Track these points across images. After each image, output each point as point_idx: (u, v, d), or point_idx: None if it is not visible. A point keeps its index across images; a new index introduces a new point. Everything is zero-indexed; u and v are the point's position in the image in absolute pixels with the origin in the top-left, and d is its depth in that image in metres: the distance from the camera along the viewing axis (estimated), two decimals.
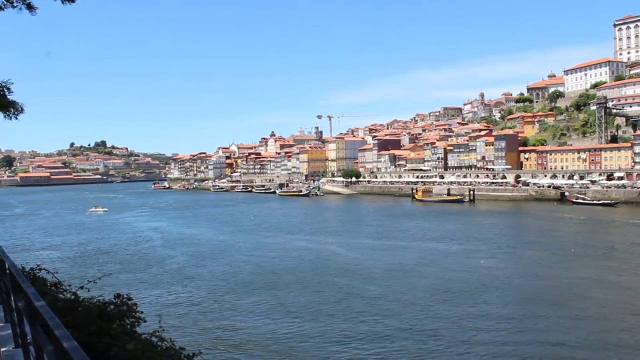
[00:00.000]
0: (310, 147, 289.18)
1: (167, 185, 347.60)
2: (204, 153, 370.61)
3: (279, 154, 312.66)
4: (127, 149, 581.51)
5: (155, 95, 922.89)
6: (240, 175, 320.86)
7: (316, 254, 70.44)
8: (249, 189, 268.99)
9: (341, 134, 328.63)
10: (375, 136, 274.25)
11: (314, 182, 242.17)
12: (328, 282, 53.79)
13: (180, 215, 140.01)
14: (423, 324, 39.29)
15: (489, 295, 47.00)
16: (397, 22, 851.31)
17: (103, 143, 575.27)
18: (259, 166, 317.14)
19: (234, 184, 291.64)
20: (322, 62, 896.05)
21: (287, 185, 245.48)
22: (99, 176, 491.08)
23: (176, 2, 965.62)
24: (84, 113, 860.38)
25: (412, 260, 64.16)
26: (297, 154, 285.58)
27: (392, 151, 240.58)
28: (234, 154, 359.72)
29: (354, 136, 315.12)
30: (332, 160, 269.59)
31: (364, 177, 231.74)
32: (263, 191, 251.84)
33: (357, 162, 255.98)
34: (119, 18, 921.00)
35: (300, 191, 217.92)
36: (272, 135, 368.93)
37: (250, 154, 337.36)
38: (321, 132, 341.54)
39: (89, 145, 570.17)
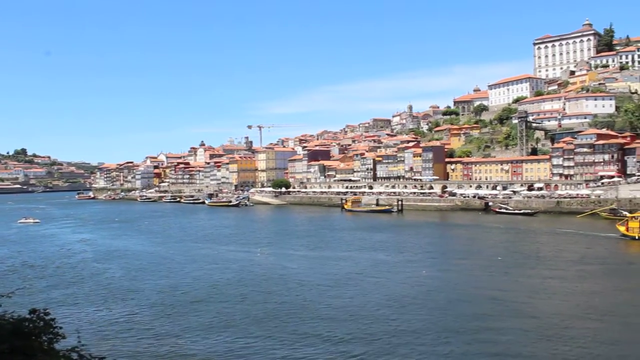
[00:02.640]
0: (240, 157, 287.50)
1: (93, 195, 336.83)
2: (132, 162, 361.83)
3: (208, 163, 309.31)
4: (49, 157, 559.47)
5: (80, 102, 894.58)
6: (168, 185, 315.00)
7: (250, 266, 69.87)
8: (178, 199, 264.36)
9: (271, 144, 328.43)
10: (306, 147, 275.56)
11: (243, 192, 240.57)
12: (264, 293, 53.34)
13: (108, 226, 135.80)
14: (374, 334, 39.60)
15: (429, 305, 47.79)
16: (328, 35, 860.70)
17: (23, 151, 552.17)
18: (187, 176, 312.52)
19: (162, 194, 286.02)
20: (252, 72, 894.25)
21: (217, 196, 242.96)
22: (18, 186, 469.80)
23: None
24: (1, 120, 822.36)
25: (349, 271, 64.52)
26: (227, 164, 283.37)
27: (322, 162, 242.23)
28: (162, 164, 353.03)
29: (284, 146, 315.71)
30: (262, 171, 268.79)
31: (294, 188, 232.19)
32: (192, 201, 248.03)
33: (287, 173, 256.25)
34: (43, 14, 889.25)
35: (230, 201, 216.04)
36: (202, 145, 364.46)
37: (179, 163, 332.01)
38: (251, 142, 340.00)
39: (7, 153, 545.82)
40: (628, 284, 56.75)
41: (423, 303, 48.48)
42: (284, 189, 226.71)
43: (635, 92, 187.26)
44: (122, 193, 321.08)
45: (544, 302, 48.90)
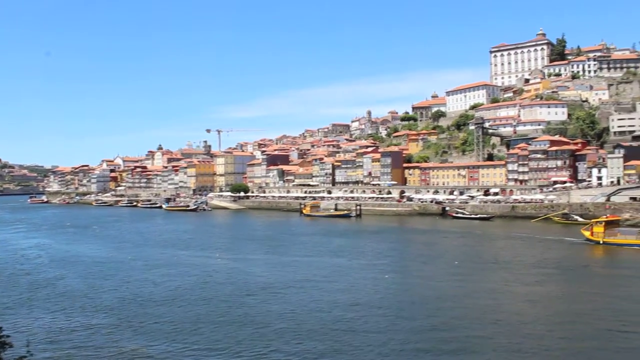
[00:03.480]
0: (198, 161, 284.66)
1: (46, 199, 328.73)
2: (87, 166, 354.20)
3: (166, 167, 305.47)
4: None
5: (33, 103, 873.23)
6: (125, 189, 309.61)
7: (211, 271, 69.21)
8: (134, 203, 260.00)
9: (230, 148, 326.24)
10: (265, 151, 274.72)
11: (201, 196, 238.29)
12: (227, 299, 52.82)
13: (63, 231, 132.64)
14: (341, 340, 39.64)
15: (394, 310, 48.10)
16: (288, 40, 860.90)
17: None
18: (145, 180, 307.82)
19: (118, 199, 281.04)
20: (212, 76, 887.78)
21: (174, 200, 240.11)
22: None
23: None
24: None
25: (312, 276, 64.58)
26: (185, 168, 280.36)
27: (280, 166, 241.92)
28: (118, 167, 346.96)
29: (243, 151, 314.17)
30: (221, 175, 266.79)
31: (253, 192, 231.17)
32: (149, 206, 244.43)
33: (245, 177, 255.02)
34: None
35: (188, 206, 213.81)
36: (160, 148, 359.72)
37: (136, 167, 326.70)
38: (210, 146, 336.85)
39: None
40: (590, 287, 58.16)
41: (388, 307, 48.84)
42: (242, 194, 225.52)
43: (586, 101, 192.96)
44: (77, 197, 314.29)
45: (508, 305, 49.96)
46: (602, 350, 36.89)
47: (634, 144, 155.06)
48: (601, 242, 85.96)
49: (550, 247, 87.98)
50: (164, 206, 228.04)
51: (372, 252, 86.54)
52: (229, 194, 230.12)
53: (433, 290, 55.89)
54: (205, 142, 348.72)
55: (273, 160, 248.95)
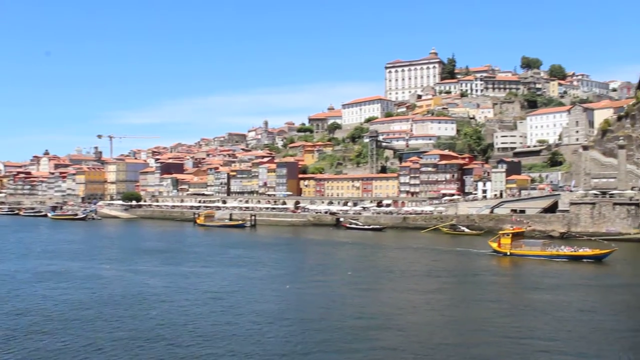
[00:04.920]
0: (88, 167, 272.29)
1: None
2: None
3: (52, 174, 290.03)
4: None
5: None
6: (6, 196, 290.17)
7: (104, 283, 64.68)
8: (16, 211, 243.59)
9: (122, 155, 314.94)
10: (159, 159, 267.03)
11: (90, 205, 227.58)
12: (123, 313, 49.08)
13: None
14: (247, 353, 38.08)
15: (292, 321, 47.04)
16: (184, 48, 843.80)
17: None
18: (29, 186, 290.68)
19: None
20: (104, 79, 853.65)
21: (61, 208, 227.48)
22: None
23: None
24: None
25: (210, 287, 62.15)
26: (74, 174, 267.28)
27: (175, 175, 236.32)
28: None
29: (136, 158, 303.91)
30: (112, 183, 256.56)
31: (145, 201, 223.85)
32: (32, 214, 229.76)
33: (138, 185, 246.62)
34: None
35: (76, 214, 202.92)
36: (46, 153, 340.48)
37: (19, 172, 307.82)
38: (101, 153, 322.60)
39: None
40: (488, 295, 59.57)
41: (294, 318, 47.56)
42: (134, 203, 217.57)
43: (473, 118, 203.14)
44: None
45: (409, 313, 50.22)
46: (499, 357, 37.63)
47: (515, 159, 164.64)
48: (508, 253, 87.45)
49: (457, 258, 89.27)
50: (49, 214, 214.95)
51: (270, 262, 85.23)
52: (120, 202, 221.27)
53: (333, 301, 55.31)
54: (96, 148, 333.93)
55: (167, 168, 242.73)
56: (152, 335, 42.19)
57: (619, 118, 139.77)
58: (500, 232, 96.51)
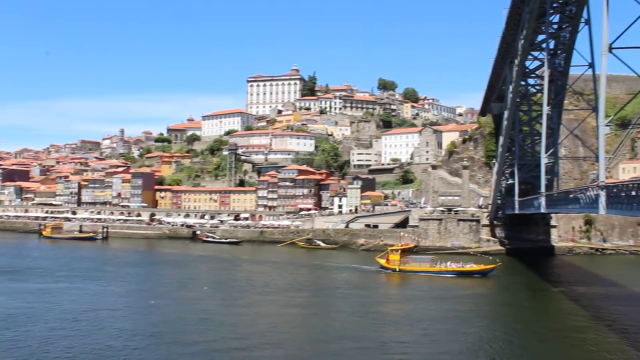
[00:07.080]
0: None
1: None
2: None
3: None
4: None
5: None
6: None
7: None
8: None
9: None
10: (0, 165, 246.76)
11: None
12: None
13: None
14: None
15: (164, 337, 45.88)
16: (36, 51, 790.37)
17: None
18: None
19: None
20: None
21: None
22: None
23: None
24: None
25: (64, 303, 59.16)
26: None
27: (19, 183, 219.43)
28: None
29: None
30: None
31: None
32: None
33: None
34: None
35: None
36: None
37: None
38: None
39: None
40: (356, 308, 61.57)
41: (160, 335, 46.55)
42: None
43: (331, 135, 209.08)
44: None
45: (278, 328, 50.57)
46: None
47: (370, 176, 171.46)
48: (397, 269, 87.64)
49: (315, 272, 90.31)
50: None
51: (127, 277, 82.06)
52: None
53: (198, 314, 55.01)
54: None
55: (10, 175, 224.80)
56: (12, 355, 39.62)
57: (464, 141, 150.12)
58: (390, 248, 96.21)
